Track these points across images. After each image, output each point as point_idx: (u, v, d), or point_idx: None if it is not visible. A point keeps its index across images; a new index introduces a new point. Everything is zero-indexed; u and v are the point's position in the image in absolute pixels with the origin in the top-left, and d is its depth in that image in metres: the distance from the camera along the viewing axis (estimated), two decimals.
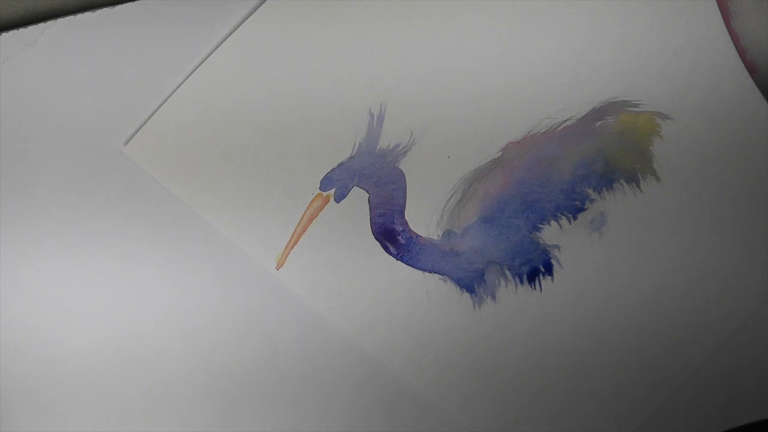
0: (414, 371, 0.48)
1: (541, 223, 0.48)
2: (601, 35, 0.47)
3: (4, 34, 0.46)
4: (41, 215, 0.47)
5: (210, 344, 0.48)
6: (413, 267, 0.48)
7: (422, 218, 0.47)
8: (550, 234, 0.48)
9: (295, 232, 0.47)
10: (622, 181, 0.48)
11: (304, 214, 0.47)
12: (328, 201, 0.47)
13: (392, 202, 0.47)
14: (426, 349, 0.48)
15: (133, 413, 0.48)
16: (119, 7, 0.46)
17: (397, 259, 0.48)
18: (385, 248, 0.47)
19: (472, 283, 0.48)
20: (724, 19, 0.47)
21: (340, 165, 0.47)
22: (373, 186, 0.47)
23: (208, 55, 0.46)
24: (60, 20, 0.46)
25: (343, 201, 0.47)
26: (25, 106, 0.46)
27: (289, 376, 0.48)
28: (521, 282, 0.48)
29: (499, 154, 0.47)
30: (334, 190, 0.47)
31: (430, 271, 0.48)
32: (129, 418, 0.48)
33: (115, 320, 0.47)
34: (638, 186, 0.48)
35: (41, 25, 0.46)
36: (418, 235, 0.47)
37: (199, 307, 0.48)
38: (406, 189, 0.47)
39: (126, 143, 0.46)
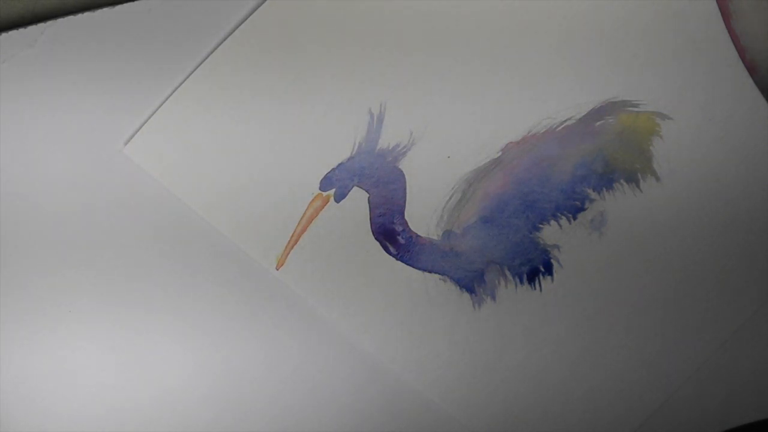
0: (414, 371, 0.48)
1: (541, 223, 0.48)
2: (601, 35, 0.47)
3: (4, 34, 0.46)
4: (41, 215, 0.47)
5: (209, 344, 0.48)
6: (413, 267, 0.48)
7: (422, 218, 0.47)
8: (550, 234, 0.48)
9: (295, 232, 0.47)
10: (622, 181, 0.48)
11: (304, 214, 0.47)
12: (328, 201, 0.47)
13: (392, 202, 0.47)
14: (426, 349, 0.48)
15: (133, 414, 0.48)
16: (119, 7, 0.46)
17: (397, 259, 0.48)
18: (385, 248, 0.47)
19: (471, 283, 0.48)
20: (724, 19, 0.47)
21: (340, 165, 0.47)
22: (373, 186, 0.47)
23: (208, 55, 0.46)
24: (60, 20, 0.46)
25: (343, 201, 0.47)
26: (25, 106, 0.46)
27: (288, 375, 0.48)
28: (521, 282, 0.48)
29: (499, 154, 0.47)
30: (334, 190, 0.47)
31: (430, 271, 0.48)
32: (128, 416, 0.48)
33: (113, 319, 0.47)
34: (638, 186, 0.48)
35: (41, 25, 0.46)
36: (418, 235, 0.47)
37: (198, 307, 0.48)
38: (406, 189, 0.47)
39: (126, 143, 0.46)
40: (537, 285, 0.48)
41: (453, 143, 0.47)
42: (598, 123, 0.47)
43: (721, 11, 0.47)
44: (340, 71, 0.46)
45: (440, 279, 0.48)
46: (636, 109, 0.47)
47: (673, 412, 0.49)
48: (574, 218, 0.48)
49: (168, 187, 0.47)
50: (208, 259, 0.47)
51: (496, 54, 0.47)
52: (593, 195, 0.48)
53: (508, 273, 0.48)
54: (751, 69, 0.47)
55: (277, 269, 0.47)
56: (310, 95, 0.46)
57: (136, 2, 0.46)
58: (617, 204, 0.48)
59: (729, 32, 0.47)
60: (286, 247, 0.47)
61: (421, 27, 0.47)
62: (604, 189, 0.48)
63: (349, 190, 0.47)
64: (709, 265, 0.48)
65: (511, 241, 0.48)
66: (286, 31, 0.46)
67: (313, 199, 0.47)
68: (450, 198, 0.47)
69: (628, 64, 0.47)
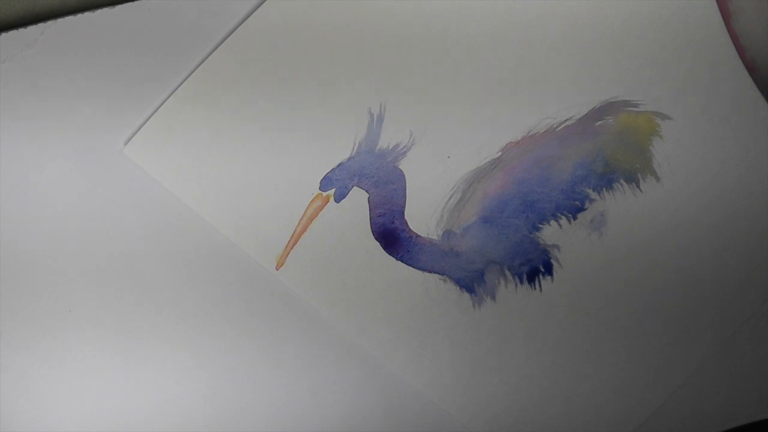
0: (414, 371, 0.48)
1: (541, 223, 0.48)
2: (601, 35, 0.47)
3: (4, 34, 0.46)
4: (41, 215, 0.47)
5: (208, 344, 0.48)
6: (413, 267, 0.48)
7: (422, 218, 0.47)
8: (549, 234, 0.48)
9: (295, 232, 0.47)
10: (621, 181, 0.48)
11: (304, 214, 0.47)
12: (328, 201, 0.47)
13: (392, 202, 0.47)
14: (426, 349, 0.48)
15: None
16: (119, 7, 0.46)
17: (397, 259, 0.48)
18: (385, 248, 0.47)
19: (471, 282, 0.48)
20: (724, 19, 0.47)
21: (340, 165, 0.47)
22: (373, 186, 0.47)
23: (208, 55, 0.46)
24: (60, 20, 0.46)
25: (343, 201, 0.47)
26: (25, 106, 0.46)
27: (288, 375, 0.48)
28: (521, 282, 0.48)
29: (499, 154, 0.47)
30: (334, 190, 0.47)
31: (430, 271, 0.48)
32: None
33: (113, 319, 0.47)
34: (638, 186, 0.48)
35: (41, 25, 0.46)
36: (418, 235, 0.47)
37: (197, 307, 0.48)
38: (406, 189, 0.47)
39: (126, 143, 0.46)
40: (537, 285, 0.48)
41: (453, 143, 0.47)
42: (598, 123, 0.47)
43: (721, 11, 0.47)
44: (340, 71, 0.46)
45: (440, 279, 0.48)
46: (636, 109, 0.47)
47: (673, 412, 0.49)
48: (574, 218, 0.48)
49: (168, 187, 0.47)
50: (207, 259, 0.47)
51: (495, 54, 0.47)
52: (593, 195, 0.48)
53: (508, 273, 0.48)
54: (751, 69, 0.47)
55: (277, 269, 0.47)
56: (309, 95, 0.46)
57: (136, 2, 0.46)
58: (617, 204, 0.48)
59: (729, 32, 0.47)
60: (286, 247, 0.47)
61: (421, 27, 0.47)
62: (604, 189, 0.48)
63: (349, 190, 0.47)
64: (709, 265, 0.48)
65: (511, 241, 0.48)
66: (286, 31, 0.46)
67: (313, 199, 0.47)
68: (450, 198, 0.47)
69: (628, 64, 0.47)
